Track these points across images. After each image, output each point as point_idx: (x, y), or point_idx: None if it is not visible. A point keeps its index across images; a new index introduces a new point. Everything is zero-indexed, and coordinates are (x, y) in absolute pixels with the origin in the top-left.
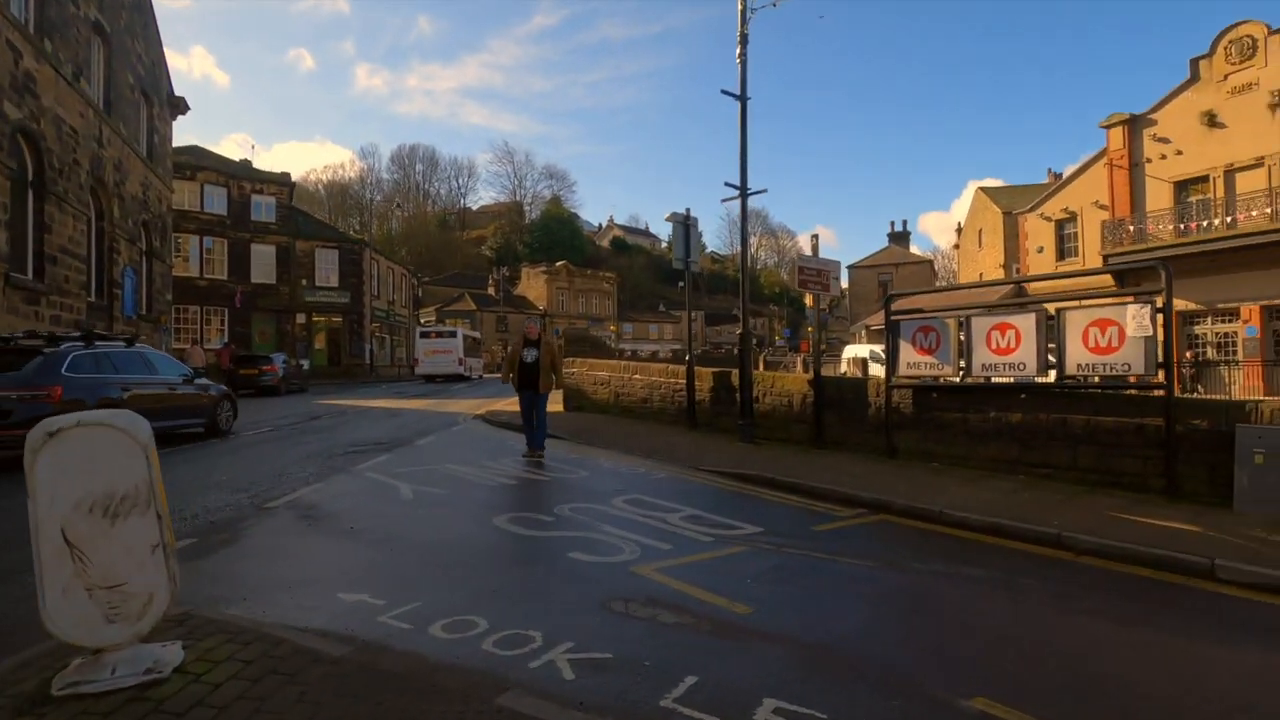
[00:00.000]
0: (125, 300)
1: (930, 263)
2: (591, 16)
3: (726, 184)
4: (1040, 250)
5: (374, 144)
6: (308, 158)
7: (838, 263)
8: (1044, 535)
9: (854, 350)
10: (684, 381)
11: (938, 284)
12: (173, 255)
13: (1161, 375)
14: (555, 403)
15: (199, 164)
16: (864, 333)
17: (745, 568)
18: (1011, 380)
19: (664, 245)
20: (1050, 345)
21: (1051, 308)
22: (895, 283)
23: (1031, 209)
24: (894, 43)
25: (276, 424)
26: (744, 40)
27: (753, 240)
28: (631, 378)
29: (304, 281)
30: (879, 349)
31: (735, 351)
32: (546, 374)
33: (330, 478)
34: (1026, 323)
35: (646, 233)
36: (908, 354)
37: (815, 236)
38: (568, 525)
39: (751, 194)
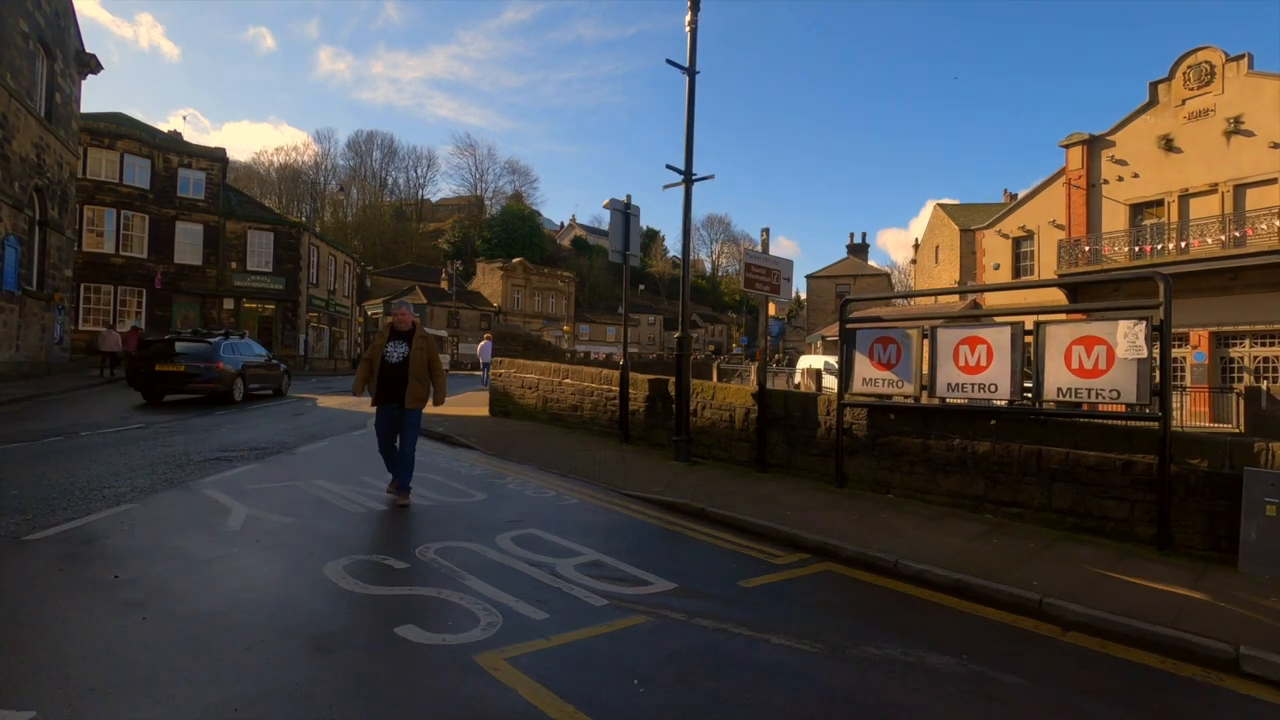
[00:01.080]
0: (5, 273)
1: (888, 276)
2: (565, 15)
3: (668, 167)
4: (997, 267)
5: (331, 128)
6: (260, 138)
7: (790, 262)
8: (1023, 601)
9: (808, 361)
10: (617, 389)
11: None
12: (76, 228)
13: (1157, 404)
14: (479, 406)
15: (120, 131)
16: (820, 343)
17: (638, 656)
18: (981, 403)
19: None
20: (1027, 365)
21: (1028, 321)
22: (853, 294)
23: (989, 225)
24: (859, 65)
25: (151, 420)
26: (695, 6)
27: (715, 247)
28: (561, 382)
29: (234, 264)
30: (834, 360)
31: (708, 357)
32: (419, 382)
33: (154, 495)
34: (1000, 337)
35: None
36: (864, 368)
37: (765, 230)
38: (422, 577)
39: (697, 180)
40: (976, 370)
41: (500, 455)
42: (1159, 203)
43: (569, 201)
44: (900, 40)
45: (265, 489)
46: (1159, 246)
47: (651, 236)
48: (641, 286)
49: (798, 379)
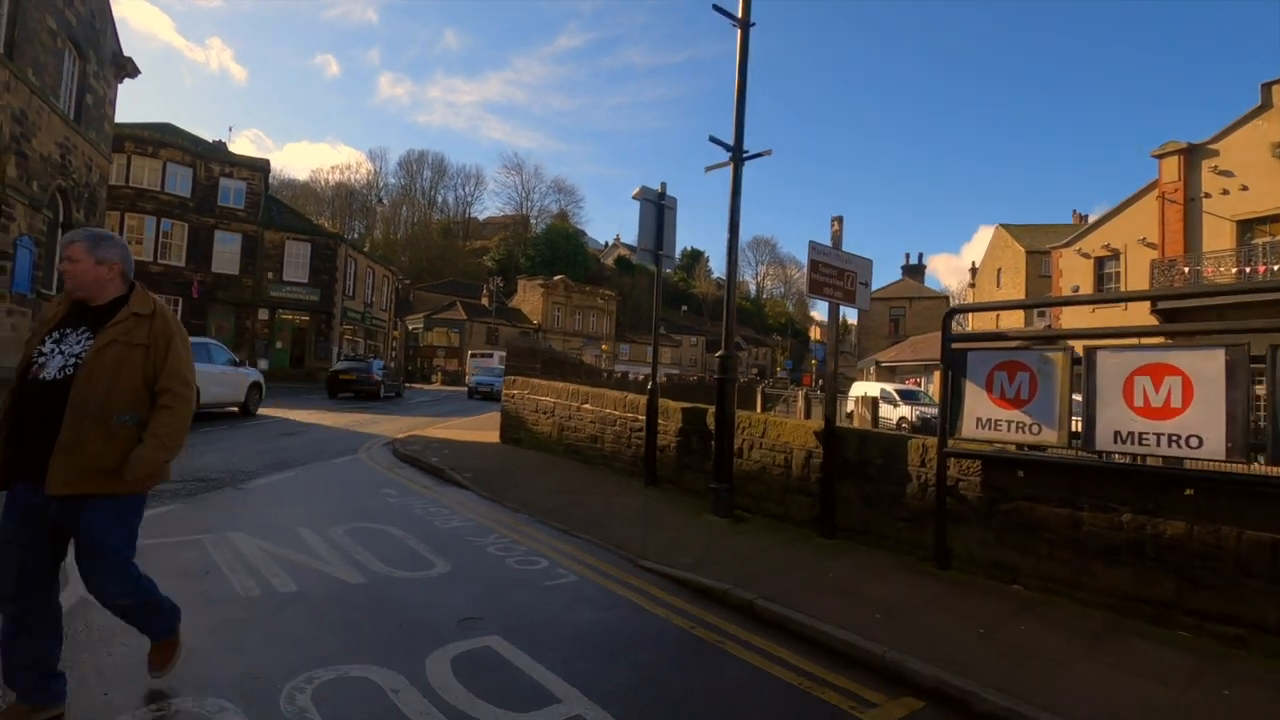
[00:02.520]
0: (17, 274)
1: (947, 299)
2: (616, 42)
3: (712, 140)
4: (1075, 289)
5: (384, 147)
6: (318, 157)
7: (868, 262)
8: None
9: (863, 388)
10: (643, 419)
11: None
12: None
13: None
14: (490, 431)
15: (163, 140)
16: (873, 369)
17: None
18: (1173, 462)
19: (668, 270)
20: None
21: (1255, 344)
22: (909, 318)
23: (1067, 244)
24: (912, 84)
25: None
26: None
27: (759, 269)
28: (579, 408)
29: (270, 275)
30: (893, 388)
31: (751, 380)
32: (101, 430)
33: None
34: (1206, 366)
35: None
36: (978, 404)
37: (838, 220)
38: None
39: (749, 157)
40: (1164, 414)
41: (495, 497)
42: (1275, 218)
43: (613, 221)
44: (953, 56)
45: (156, 546)
46: (1276, 268)
47: (695, 257)
48: (684, 307)
49: (850, 407)
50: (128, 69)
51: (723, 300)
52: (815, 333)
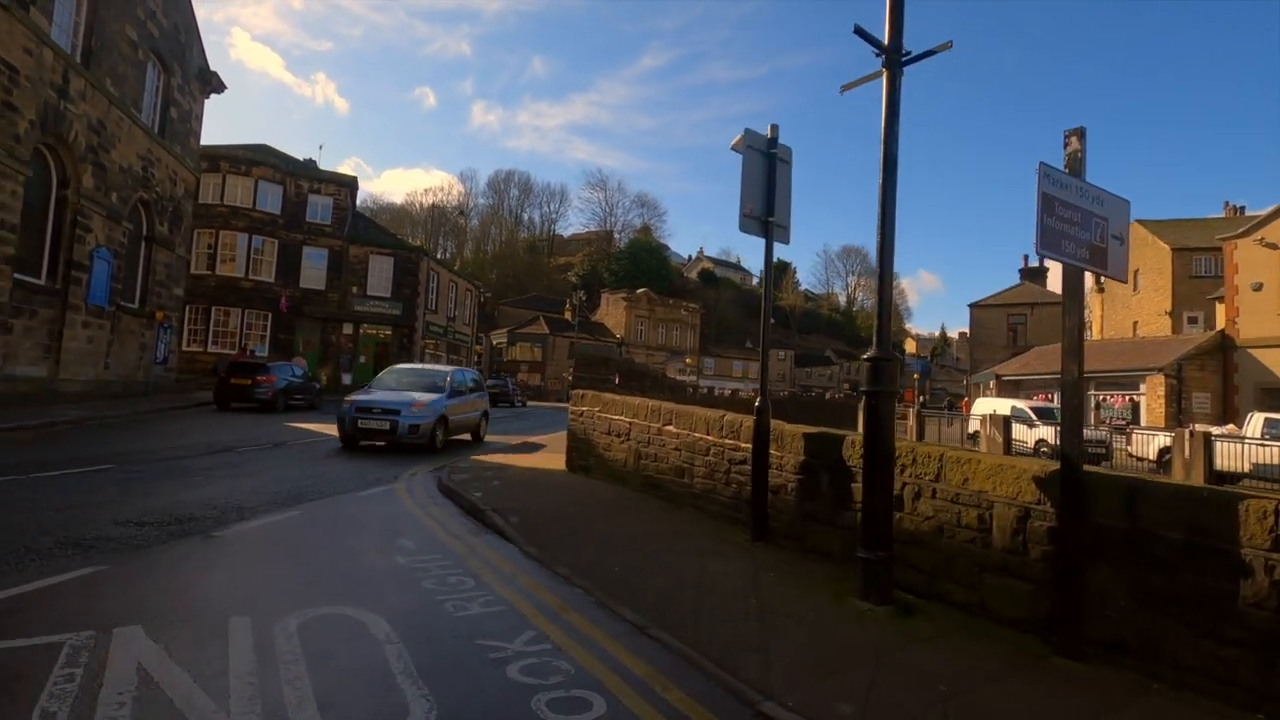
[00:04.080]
0: (94, 286)
1: None
2: (698, 59)
3: (857, 32)
4: (1258, 287)
5: (473, 168)
6: (413, 181)
7: (1125, 203)
8: None
9: (989, 405)
10: (747, 447)
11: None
12: (189, 247)
13: None
14: (557, 454)
15: (255, 158)
16: (992, 384)
17: None
18: None
19: (755, 281)
20: None
21: None
22: (1030, 326)
23: (1244, 234)
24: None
25: (149, 463)
26: None
27: (851, 280)
28: (661, 430)
29: (355, 289)
30: (1026, 405)
31: (847, 397)
32: None
33: None
34: None
35: (738, 266)
36: None
37: (1076, 133)
38: None
39: (912, 59)
40: None
41: (543, 556)
42: None
43: (696, 235)
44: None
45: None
46: None
47: (781, 269)
48: (772, 320)
49: (974, 428)
50: (213, 84)
51: (811, 313)
52: (911, 346)
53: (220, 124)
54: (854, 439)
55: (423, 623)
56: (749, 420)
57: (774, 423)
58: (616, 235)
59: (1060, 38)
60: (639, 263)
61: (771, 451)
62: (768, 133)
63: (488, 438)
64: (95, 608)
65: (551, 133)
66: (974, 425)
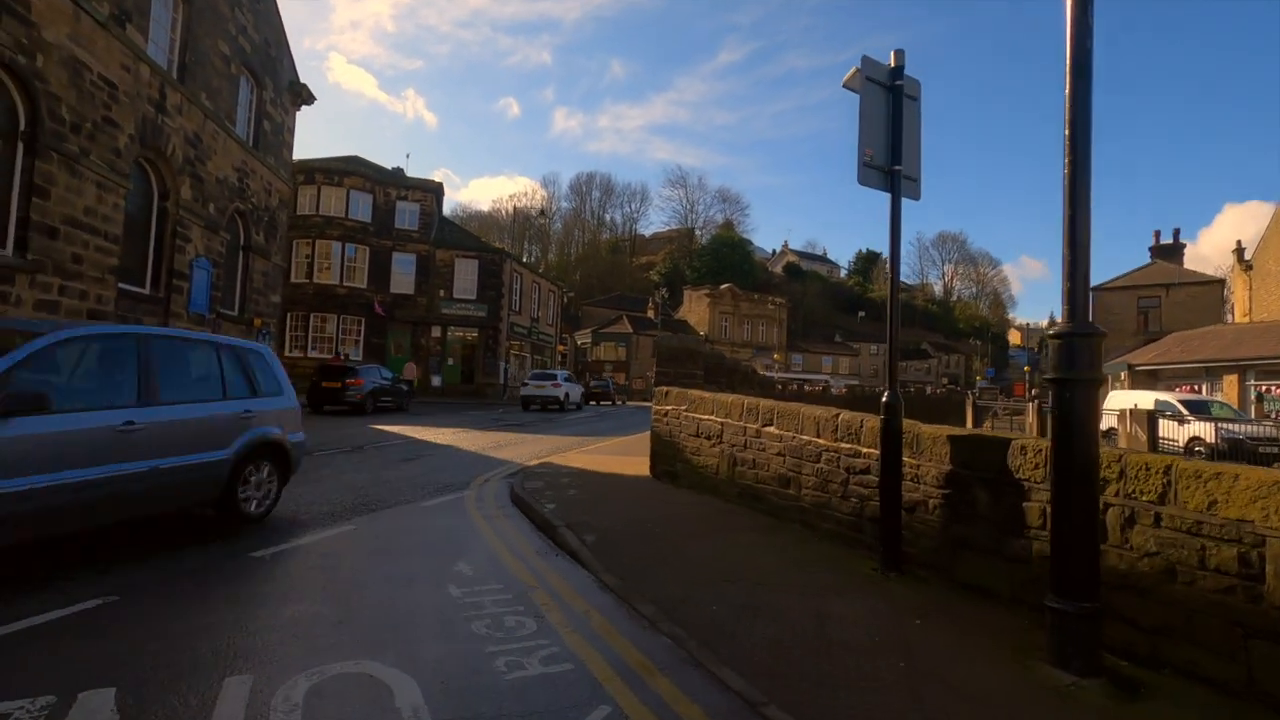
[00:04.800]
0: (193, 295)
1: (1222, 283)
2: (777, 49)
3: None
4: None
5: (555, 171)
6: (497, 189)
7: None
8: None
9: (1128, 398)
10: (872, 454)
11: (1227, 318)
12: (283, 254)
13: None
14: (641, 458)
15: (347, 169)
16: (1124, 375)
17: None
18: None
19: (843, 272)
20: None
21: None
22: (1164, 309)
23: None
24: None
25: None
26: None
27: (946, 269)
28: (760, 432)
29: (441, 292)
30: (1173, 397)
31: (949, 392)
32: None
33: None
34: None
35: (824, 258)
36: None
37: None
38: None
39: None
40: None
41: (625, 590)
42: None
43: (780, 229)
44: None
45: None
46: None
47: (872, 259)
48: (861, 313)
49: (1108, 424)
50: (304, 96)
51: (904, 305)
52: (1015, 337)
53: (319, 141)
54: (1024, 444)
55: (463, 687)
56: (872, 421)
57: (908, 423)
58: (698, 232)
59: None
60: (721, 258)
61: (905, 459)
62: (890, 61)
63: (570, 438)
64: (68, 661)
65: (632, 134)
66: (1108, 421)
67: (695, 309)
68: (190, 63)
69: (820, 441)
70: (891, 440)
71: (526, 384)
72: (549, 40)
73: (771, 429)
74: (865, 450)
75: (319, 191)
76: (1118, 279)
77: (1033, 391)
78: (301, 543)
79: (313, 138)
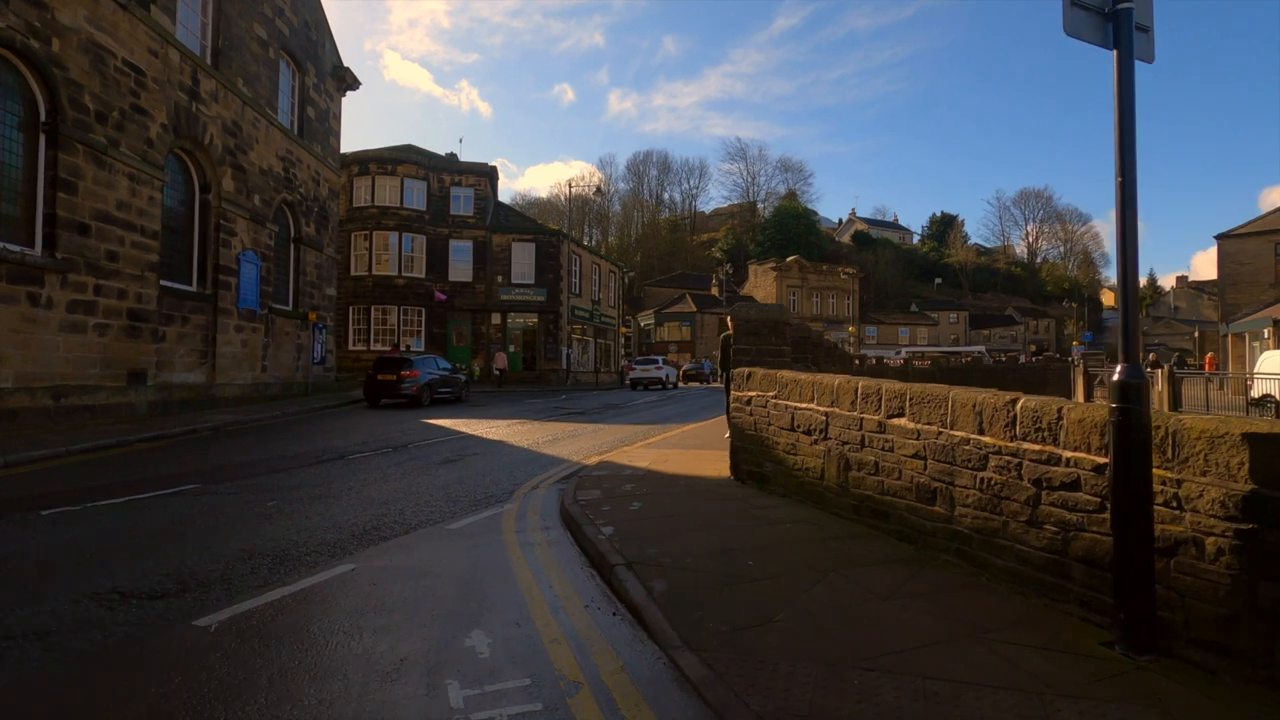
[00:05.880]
0: (242, 290)
1: None
2: (836, 10)
3: None
4: None
5: (612, 154)
6: (554, 174)
7: None
8: None
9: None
10: (1083, 459)
11: None
12: (336, 246)
13: None
14: (712, 455)
15: (399, 157)
16: (1268, 332)
17: None
18: None
19: (916, 238)
20: None
21: None
22: None
23: None
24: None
25: (229, 469)
26: None
27: (1029, 228)
28: (886, 424)
29: (499, 278)
30: None
31: (1048, 360)
32: None
33: None
34: None
35: (895, 225)
36: None
37: None
38: None
39: None
40: None
41: (719, 691)
42: None
43: (846, 197)
44: None
45: None
46: None
47: (947, 223)
48: (938, 280)
49: (1262, 390)
50: (348, 81)
51: (986, 268)
52: (1108, 298)
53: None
54: None
55: None
56: (1079, 410)
57: (1158, 414)
58: (760, 205)
59: None
60: (786, 230)
61: (1158, 472)
62: None
63: (634, 427)
64: None
65: (687, 111)
66: (1263, 387)
67: (761, 284)
68: (224, 47)
69: (986, 440)
70: (1132, 440)
71: (634, 368)
72: (601, 21)
73: (902, 421)
74: (1069, 454)
75: (373, 182)
76: (1248, 225)
77: (1149, 357)
78: (271, 598)
79: (369, 135)
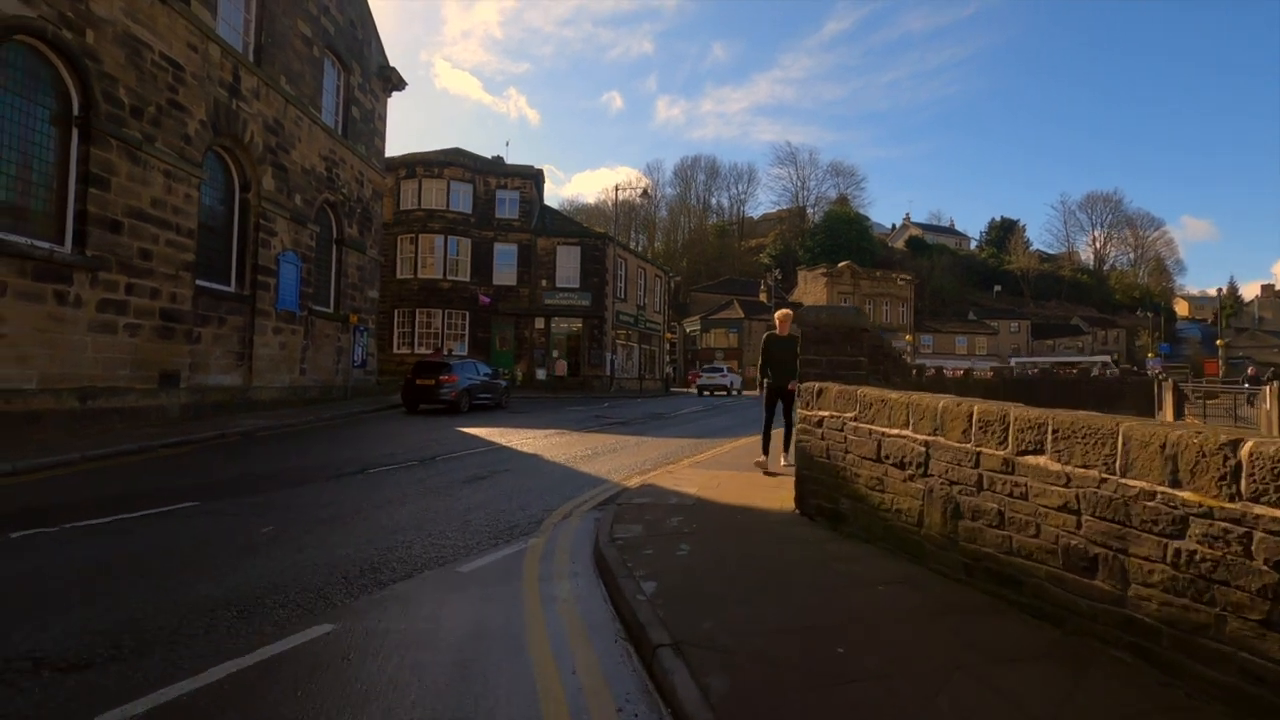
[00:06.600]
0: (282, 291)
1: None
2: (890, 12)
3: None
4: None
5: (659, 159)
6: (601, 181)
7: None
8: None
9: None
10: None
11: None
12: (379, 248)
13: None
14: (773, 481)
15: (445, 160)
16: None
17: None
18: None
19: (974, 243)
20: None
21: None
22: None
23: None
24: None
25: (239, 482)
26: None
27: (1096, 233)
28: (1014, 464)
29: (544, 282)
30: None
31: (1125, 373)
32: None
33: None
34: None
35: (951, 230)
36: None
37: None
38: None
39: None
40: None
41: None
42: None
43: (899, 203)
44: None
45: None
46: None
47: (1007, 228)
48: (997, 288)
49: None
50: (394, 81)
51: (1049, 275)
52: (1183, 308)
53: (424, 143)
54: None
55: None
56: None
57: None
58: (810, 210)
59: None
60: (836, 235)
61: None
62: None
63: (680, 441)
64: None
65: (735, 117)
66: None
67: (811, 290)
68: (267, 43)
69: (1185, 497)
70: None
71: (701, 375)
72: (650, 29)
73: (1041, 460)
74: None
75: (420, 185)
76: None
77: (1249, 371)
78: (215, 677)
79: (418, 141)
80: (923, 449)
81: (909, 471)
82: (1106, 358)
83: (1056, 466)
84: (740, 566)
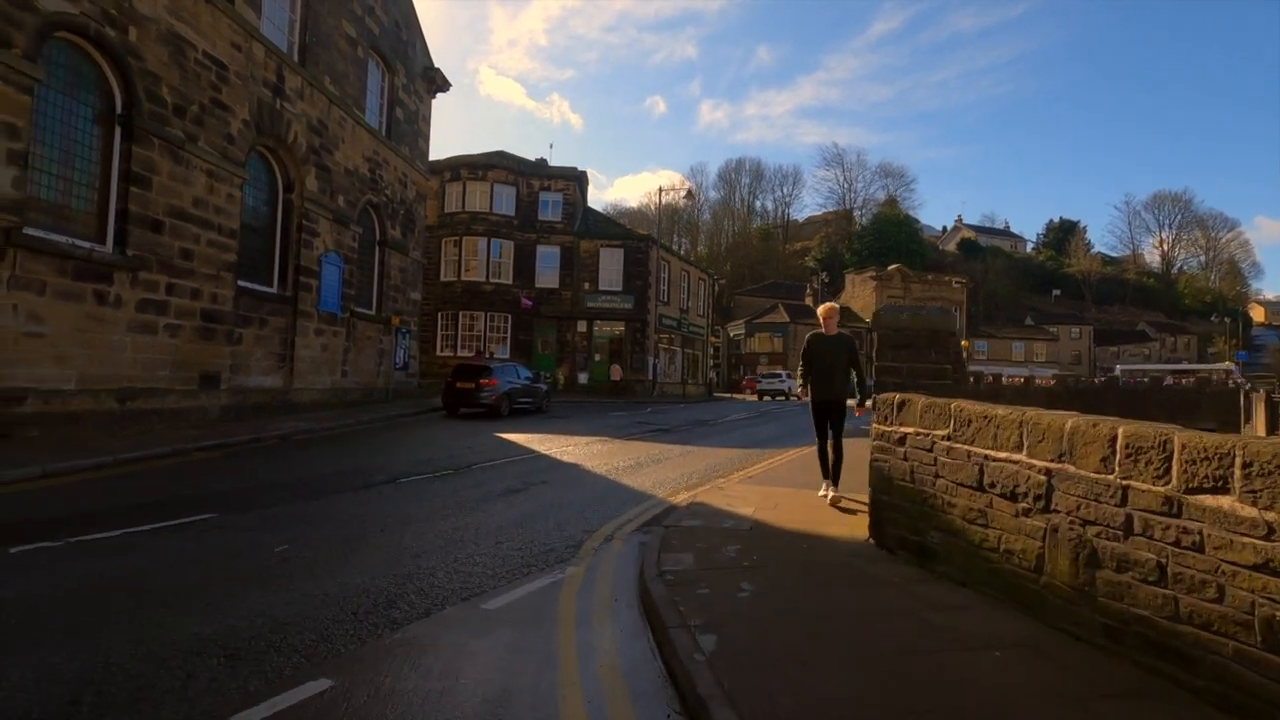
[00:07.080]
0: (324, 292)
1: None
2: (938, 11)
3: None
4: None
5: (703, 162)
6: (643, 184)
7: None
8: None
9: None
10: None
11: None
12: (422, 250)
13: None
14: (848, 514)
15: (490, 162)
16: None
17: None
18: None
19: (1030, 247)
20: None
21: None
22: None
23: None
24: None
25: (266, 491)
26: None
27: (1163, 235)
28: (1183, 505)
29: (586, 285)
30: None
31: (1200, 383)
32: None
33: None
34: None
35: (1006, 232)
36: None
37: None
38: None
39: None
40: None
41: None
42: None
43: (950, 204)
44: None
45: None
46: None
47: (1067, 230)
48: (1056, 292)
49: None
50: (438, 82)
51: (1111, 279)
52: (1259, 313)
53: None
54: None
55: None
56: None
57: None
58: (857, 213)
59: None
60: (885, 237)
61: None
62: None
63: (728, 451)
64: None
65: (780, 120)
66: None
67: (859, 293)
68: (311, 43)
69: None
70: None
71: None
72: (694, 33)
73: (1224, 502)
74: None
75: (464, 188)
76: None
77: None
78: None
79: (462, 145)
80: (1043, 478)
81: (1023, 505)
82: (1228, 364)
83: (1250, 512)
84: (817, 616)
